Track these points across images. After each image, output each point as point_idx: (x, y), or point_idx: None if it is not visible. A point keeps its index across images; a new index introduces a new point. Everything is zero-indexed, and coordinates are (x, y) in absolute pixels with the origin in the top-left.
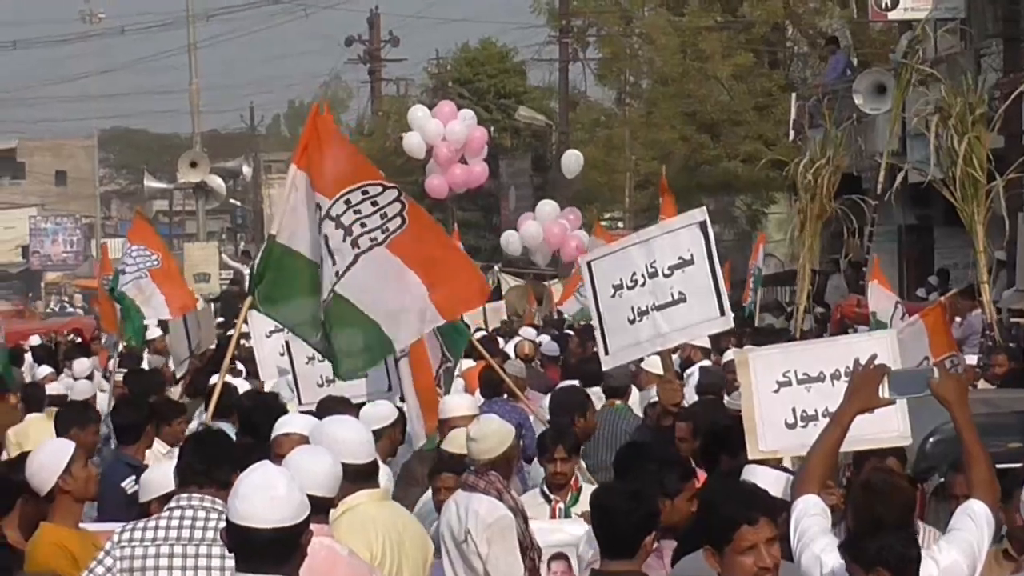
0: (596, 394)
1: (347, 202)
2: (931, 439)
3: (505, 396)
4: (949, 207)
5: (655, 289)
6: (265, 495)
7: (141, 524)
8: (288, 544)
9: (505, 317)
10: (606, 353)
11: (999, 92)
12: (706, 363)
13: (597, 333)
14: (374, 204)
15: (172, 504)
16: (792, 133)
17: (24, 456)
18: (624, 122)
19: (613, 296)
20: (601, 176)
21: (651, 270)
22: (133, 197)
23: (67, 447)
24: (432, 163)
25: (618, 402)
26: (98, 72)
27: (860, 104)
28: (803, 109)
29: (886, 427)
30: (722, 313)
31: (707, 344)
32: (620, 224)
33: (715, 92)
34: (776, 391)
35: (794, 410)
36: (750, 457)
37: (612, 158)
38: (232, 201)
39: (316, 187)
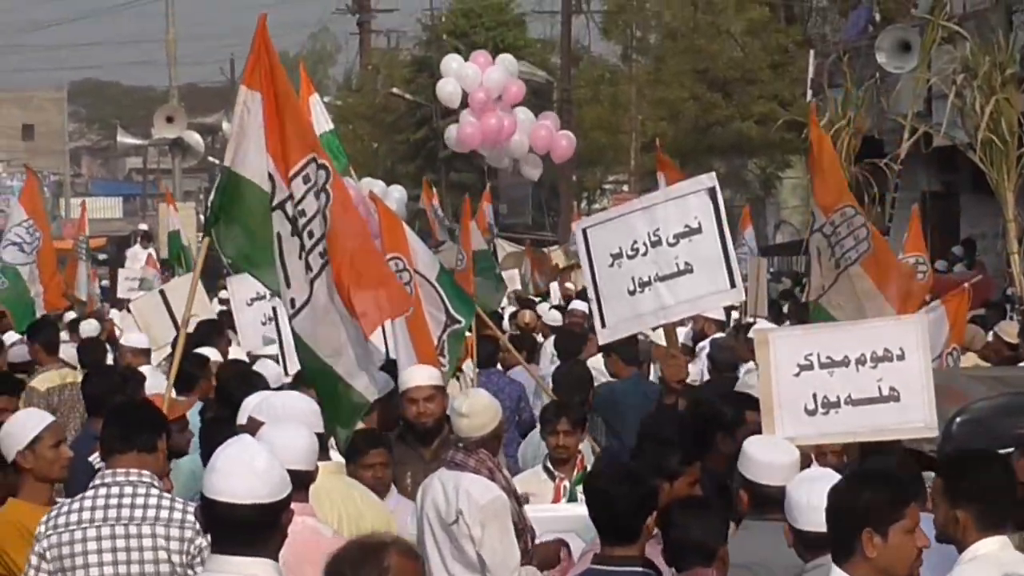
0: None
1: (291, 196)
2: (957, 420)
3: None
4: (977, 172)
5: (658, 258)
6: (244, 469)
7: (67, 507)
8: (268, 523)
9: (519, 286)
10: (603, 326)
11: None
12: (719, 335)
13: (593, 305)
14: (317, 197)
15: (97, 481)
16: (809, 93)
17: None
18: (630, 79)
19: (612, 265)
20: (605, 137)
21: (654, 238)
22: (105, 153)
23: (35, 422)
24: (465, 113)
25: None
26: (70, 20)
27: (883, 62)
28: (821, 67)
29: (911, 417)
30: (732, 285)
31: (722, 316)
32: (624, 187)
33: (727, 48)
34: (797, 374)
35: (815, 395)
36: (766, 433)
37: (617, 117)
38: (210, 159)
39: (270, 150)
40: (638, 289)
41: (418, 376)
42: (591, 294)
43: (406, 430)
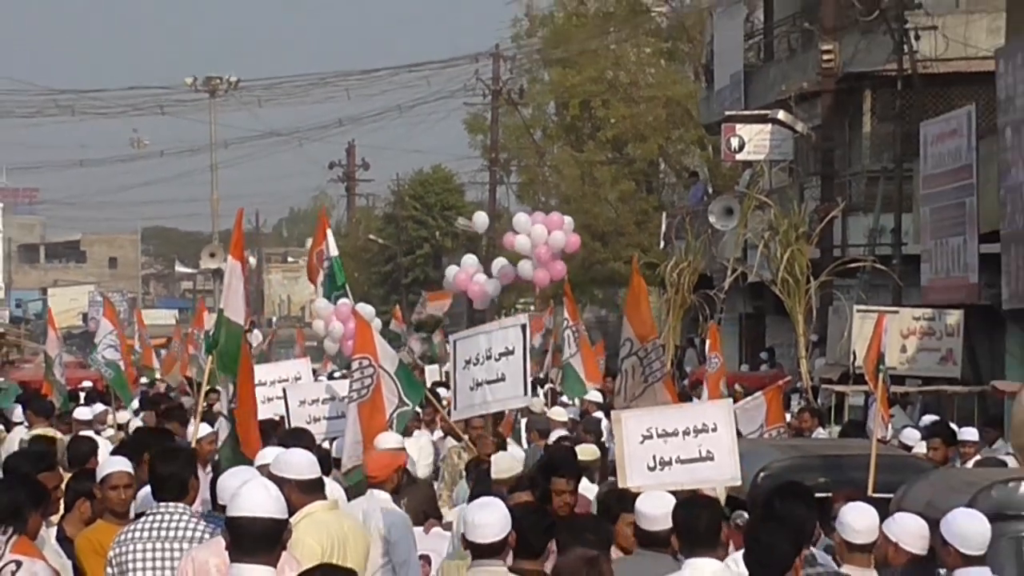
0: None
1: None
2: (762, 474)
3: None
4: (778, 301)
5: (488, 368)
6: (261, 493)
7: (131, 527)
8: (275, 535)
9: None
10: (455, 408)
11: (817, 216)
12: (599, 414)
13: (451, 393)
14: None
15: (150, 511)
16: (663, 242)
17: (83, 470)
18: None
19: (464, 368)
20: None
21: (488, 354)
22: (167, 278)
23: (106, 466)
24: (531, 256)
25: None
26: (143, 184)
27: (713, 222)
28: (671, 225)
29: (723, 473)
30: (525, 393)
31: (600, 399)
32: (532, 307)
33: (605, 210)
34: (641, 442)
35: (654, 456)
36: (620, 486)
37: None
38: None
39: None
40: (475, 387)
41: (388, 441)
42: (452, 385)
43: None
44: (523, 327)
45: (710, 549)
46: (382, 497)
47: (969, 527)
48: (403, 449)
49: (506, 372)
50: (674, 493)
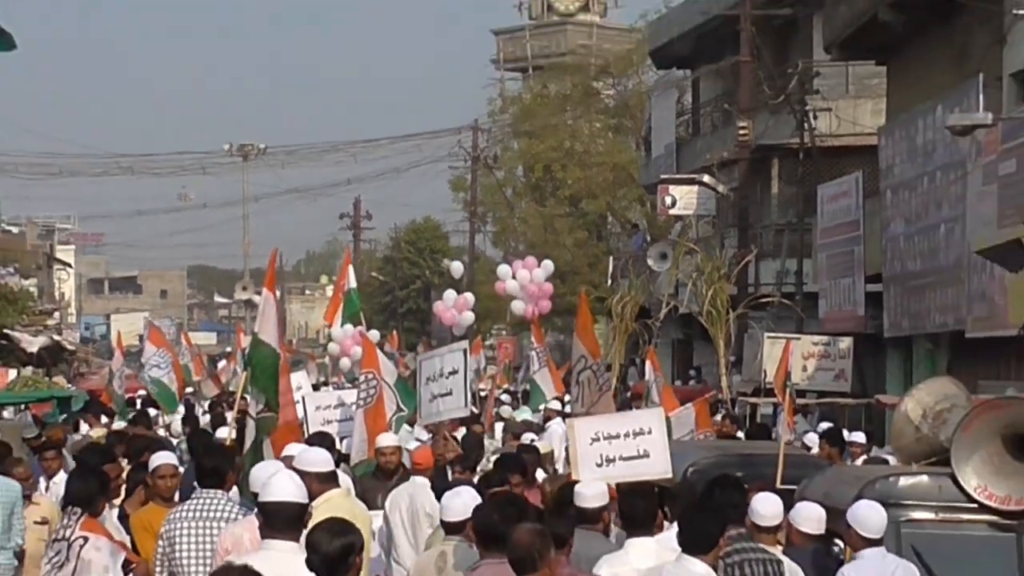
0: None
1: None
2: (690, 469)
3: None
4: (703, 329)
5: (441, 384)
6: (288, 482)
7: (179, 508)
8: (299, 517)
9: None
10: (420, 417)
11: (735, 260)
12: (557, 420)
13: (418, 404)
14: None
15: (194, 496)
16: (610, 281)
17: (139, 462)
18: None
19: (425, 384)
20: (491, 303)
21: (441, 372)
22: (207, 307)
23: (156, 459)
24: (522, 296)
25: None
26: (188, 230)
27: (651, 264)
28: (617, 266)
29: (657, 468)
30: (465, 405)
31: (559, 407)
32: (504, 332)
33: (563, 254)
34: (591, 444)
35: (601, 455)
36: (573, 479)
37: None
38: None
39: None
40: (432, 399)
41: (387, 440)
42: (417, 397)
43: (377, 470)
44: (464, 351)
45: (647, 531)
46: (423, 482)
47: (869, 515)
48: (400, 447)
49: (452, 388)
50: (618, 486)
